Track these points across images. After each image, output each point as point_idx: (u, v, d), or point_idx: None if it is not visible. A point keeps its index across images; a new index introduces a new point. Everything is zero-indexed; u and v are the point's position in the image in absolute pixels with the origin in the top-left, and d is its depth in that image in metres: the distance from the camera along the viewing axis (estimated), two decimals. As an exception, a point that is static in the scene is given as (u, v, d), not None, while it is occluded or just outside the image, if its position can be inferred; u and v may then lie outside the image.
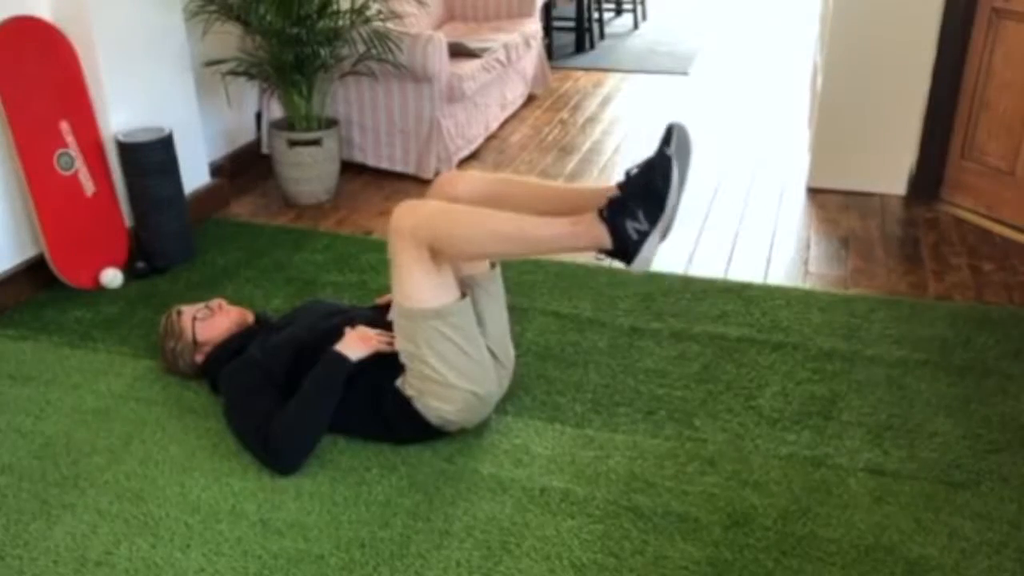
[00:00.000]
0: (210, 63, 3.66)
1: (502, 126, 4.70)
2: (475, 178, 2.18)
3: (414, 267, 2.00)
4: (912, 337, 2.67)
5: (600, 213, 1.93)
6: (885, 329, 2.72)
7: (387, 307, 2.47)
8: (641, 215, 1.90)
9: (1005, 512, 1.99)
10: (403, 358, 2.13)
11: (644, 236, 1.92)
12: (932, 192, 3.62)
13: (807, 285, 3.02)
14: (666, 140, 2.02)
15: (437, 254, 2.01)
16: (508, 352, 2.33)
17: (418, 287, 2.02)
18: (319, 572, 1.86)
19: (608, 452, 2.21)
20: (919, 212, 3.56)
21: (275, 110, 3.94)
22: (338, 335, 2.25)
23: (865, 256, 3.21)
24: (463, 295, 2.10)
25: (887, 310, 2.82)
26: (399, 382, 2.16)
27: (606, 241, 1.94)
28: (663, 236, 1.95)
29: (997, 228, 3.38)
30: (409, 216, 1.98)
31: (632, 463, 2.17)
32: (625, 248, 1.93)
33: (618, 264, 2.01)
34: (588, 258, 3.23)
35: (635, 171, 2.07)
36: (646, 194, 1.91)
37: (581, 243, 1.96)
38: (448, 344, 2.07)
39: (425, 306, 2.02)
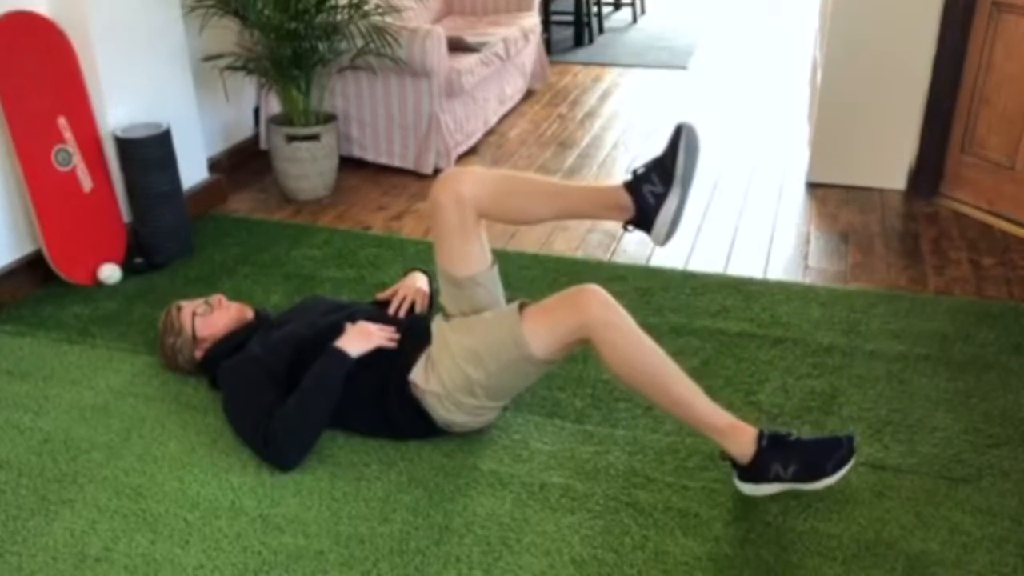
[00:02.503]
0: (208, 58, 3.65)
1: (501, 121, 4.69)
2: (479, 176, 2.17)
3: (560, 335, 2.02)
4: (912, 332, 2.67)
5: (760, 438, 1.95)
6: (885, 324, 2.71)
7: (387, 303, 2.47)
8: (791, 470, 1.94)
9: (1006, 507, 1.99)
10: (458, 358, 2.09)
11: (779, 480, 1.95)
12: (932, 187, 3.61)
13: (807, 280, 3.02)
14: (674, 140, 2.04)
15: (584, 343, 2.02)
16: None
17: (549, 345, 2.03)
18: (319, 568, 1.86)
19: (608, 447, 2.20)
20: (919, 207, 3.56)
21: (273, 105, 3.93)
22: (339, 331, 2.24)
23: (865, 251, 3.21)
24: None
25: (887, 305, 2.82)
26: (415, 374, 2.15)
27: (745, 459, 1.95)
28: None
29: (997, 223, 3.38)
30: (603, 314, 1.98)
31: (632, 458, 2.16)
32: (757, 476, 1.96)
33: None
34: (587, 253, 3.23)
35: (641, 170, 2.08)
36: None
37: (724, 443, 1.97)
38: (518, 381, 2.12)
39: (536, 354, 2.03)
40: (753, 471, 1.96)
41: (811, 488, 1.94)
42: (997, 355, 2.55)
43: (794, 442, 1.95)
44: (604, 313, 1.99)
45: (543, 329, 2.03)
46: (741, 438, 1.96)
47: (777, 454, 1.94)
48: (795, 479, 1.93)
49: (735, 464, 1.99)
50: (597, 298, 2.01)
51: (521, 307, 2.09)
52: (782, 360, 2.54)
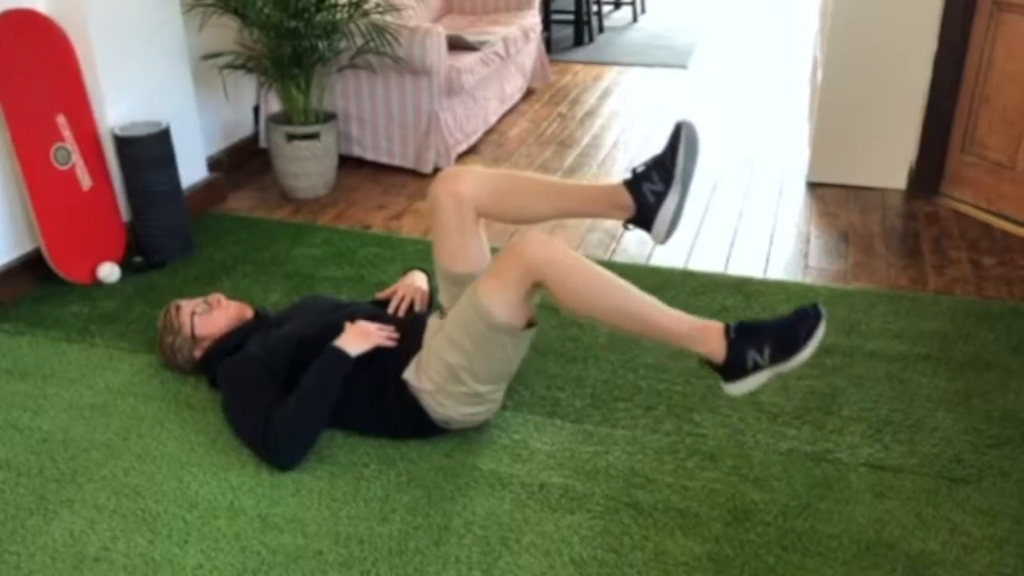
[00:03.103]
0: (207, 56, 3.64)
1: (501, 120, 4.69)
2: (479, 175, 2.16)
3: (513, 290, 1.99)
4: (912, 331, 2.67)
5: (727, 331, 1.95)
6: (885, 324, 2.71)
7: (387, 302, 2.47)
8: (766, 353, 1.92)
9: (1007, 507, 1.99)
10: (440, 348, 2.09)
11: (758, 368, 1.94)
12: (932, 186, 3.61)
13: (807, 279, 3.01)
14: (674, 139, 2.04)
15: (537, 289, 2.01)
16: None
17: (506, 304, 2.00)
18: (317, 568, 1.85)
19: (608, 447, 2.20)
20: (919, 206, 3.55)
21: (273, 104, 3.92)
22: (338, 330, 2.24)
23: (865, 250, 3.20)
24: (532, 324, 2.11)
25: (887, 304, 2.82)
26: (408, 373, 2.15)
27: (719, 356, 1.95)
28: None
29: (997, 222, 3.37)
30: (541, 253, 1.96)
31: (632, 458, 2.16)
32: (736, 371, 1.95)
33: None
34: (587, 252, 3.22)
35: (641, 169, 2.08)
36: (772, 334, 1.93)
37: (696, 347, 1.97)
38: (503, 357, 2.09)
39: (503, 320, 2.01)
40: (732, 367, 1.94)
41: (791, 367, 1.92)
42: (997, 355, 2.54)
43: (762, 325, 1.94)
44: (544, 251, 1.96)
45: (496, 290, 2.00)
46: (710, 336, 1.95)
47: (749, 340, 1.92)
48: (773, 361, 1.92)
49: (715, 368, 1.98)
50: (534, 240, 1.98)
51: None
52: (782, 360, 2.54)
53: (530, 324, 2.10)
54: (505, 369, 2.14)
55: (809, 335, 1.90)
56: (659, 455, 2.17)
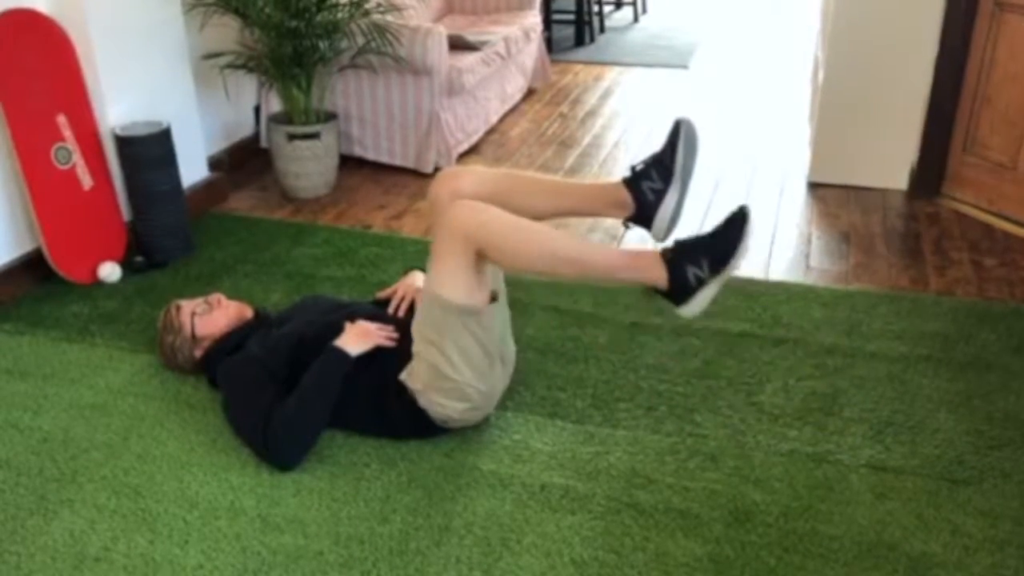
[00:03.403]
0: (208, 56, 3.64)
1: (502, 120, 4.68)
2: (479, 174, 2.16)
3: (459, 266, 1.98)
4: (913, 332, 2.66)
5: (664, 254, 1.96)
6: (886, 324, 2.71)
7: (387, 301, 2.47)
8: (705, 265, 1.95)
9: (1008, 508, 1.98)
10: (418, 347, 2.09)
11: (702, 283, 1.96)
12: (933, 187, 3.61)
13: (808, 280, 3.01)
14: (673, 136, 2.04)
15: (482, 258, 2.00)
16: (509, 348, 2.32)
17: (457, 284, 1.99)
18: (318, 568, 1.85)
19: (608, 448, 2.20)
20: (920, 207, 3.55)
21: (274, 104, 3.92)
22: (338, 330, 2.23)
23: (866, 251, 3.20)
24: (493, 298, 2.09)
25: (888, 305, 2.81)
26: (404, 375, 2.15)
27: (663, 281, 1.97)
28: (717, 271, 1.98)
29: (999, 223, 3.37)
30: (471, 218, 1.96)
31: (633, 459, 2.16)
32: (682, 291, 1.97)
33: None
34: (588, 253, 3.22)
35: (640, 167, 2.08)
36: (706, 245, 1.96)
37: (637, 276, 1.98)
38: (472, 341, 2.06)
39: (460, 302, 2.00)
40: (678, 288, 1.96)
41: (731, 271, 1.95)
42: (999, 356, 2.54)
43: (695, 241, 1.97)
44: (472, 216, 1.96)
45: (442, 271, 2.00)
46: (650, 263, 1.97)
47: (685, 258, 1.95)
48: (714, 271, 1.94)
49: (663, 295, 2.00)
50: (461, 209, 1.98)
51: None
52: (784, 361, 2.54)
53: (493, 299, 2.09)
54: (481, 357, 2.09)
55: (739, 239, 1.93)
56: (660, 456, 2.17)
